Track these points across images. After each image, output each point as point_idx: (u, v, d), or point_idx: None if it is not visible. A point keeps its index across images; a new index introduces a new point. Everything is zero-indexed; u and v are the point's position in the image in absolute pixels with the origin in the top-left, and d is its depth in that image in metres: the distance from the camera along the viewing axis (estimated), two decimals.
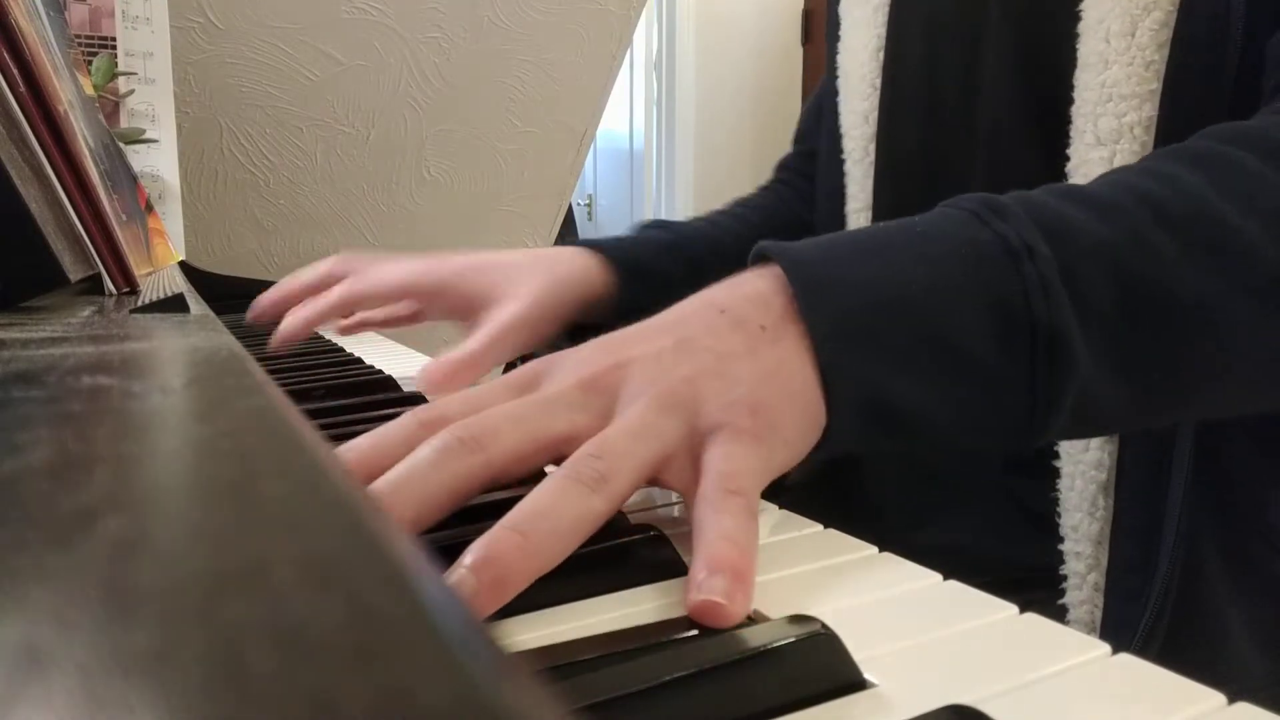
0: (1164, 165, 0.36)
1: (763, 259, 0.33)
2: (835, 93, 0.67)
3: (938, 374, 0.31)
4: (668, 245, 0.64)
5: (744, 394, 0.29)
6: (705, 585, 0.23)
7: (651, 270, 0.61)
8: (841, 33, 0.67)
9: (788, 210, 0.77)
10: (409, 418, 0.30)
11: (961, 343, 0.31)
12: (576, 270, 0.57)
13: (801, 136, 0.83)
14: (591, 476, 0.26)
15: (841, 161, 0.66)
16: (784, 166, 0.82)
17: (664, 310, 0.33)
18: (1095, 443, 0.47)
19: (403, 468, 0.27)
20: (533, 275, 0.54)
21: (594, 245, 0.60)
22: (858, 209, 0.65)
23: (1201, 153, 0.36)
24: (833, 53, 0.68)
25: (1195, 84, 0.44)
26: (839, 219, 0.67)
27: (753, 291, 0.32)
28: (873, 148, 0.64)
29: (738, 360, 0.30)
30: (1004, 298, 0.31)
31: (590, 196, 3.97)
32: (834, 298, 0.31)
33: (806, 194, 0.76)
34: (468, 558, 0.23)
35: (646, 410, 0.29)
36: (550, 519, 0.25)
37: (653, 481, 0.29)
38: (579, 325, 0.58)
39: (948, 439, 0.32)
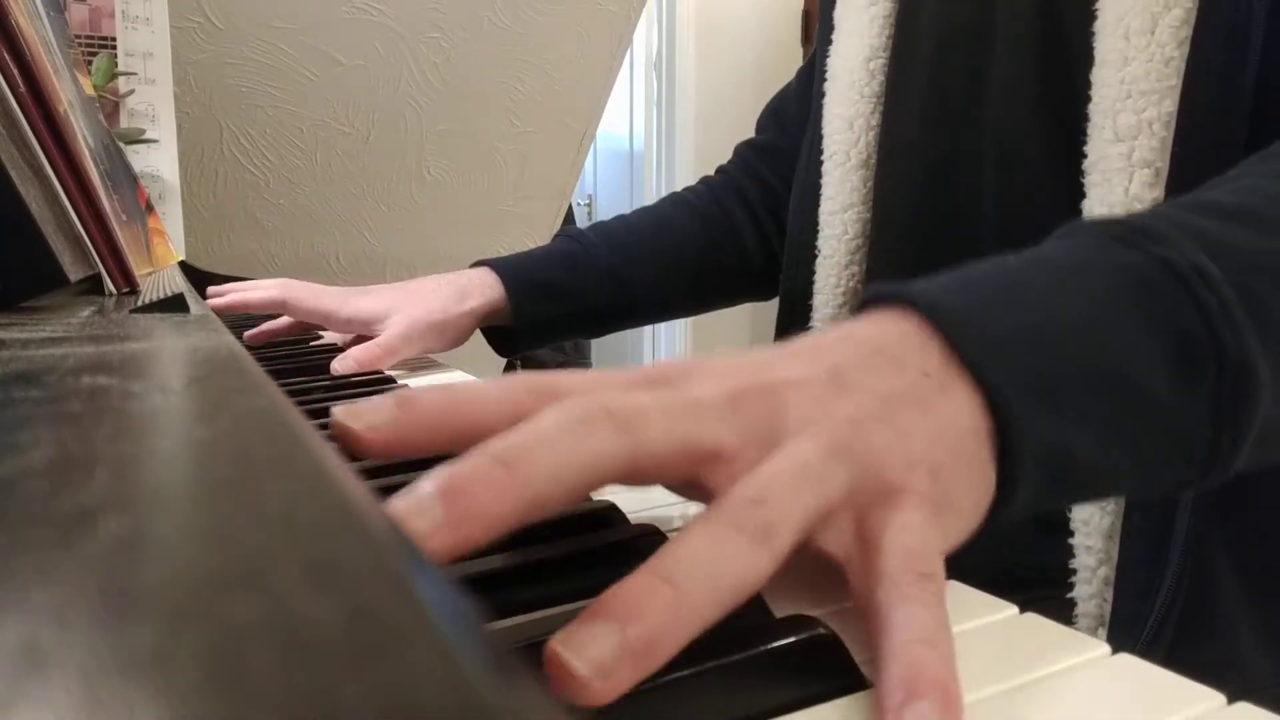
0: (1268, 166, 0.34)
1: (881, 298, 0.29)
2: (822, 94, 0.68)
3: (1120, 419, 0.27)
4: (564, 255, 0.74)
5: (922, 452, 0.25)
6: (913, 710, 0.19)
7: (542, 282, 0.72)
8: (834, 37, 0.67)
9: (716, 209, 0.79)
10: (514, 381, 0.25)
11: (1142, 380, 0.27)
12: (474, 287, 0.70)
13: (761, 126, 0.84)
14: (757, 527, 0.21)
15: (820, 162, 0.67)
16: (736, 152, 0.84)
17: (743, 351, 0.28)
18: None
19: (529, 431, 0.22)
20: (425, 296, 0.69)
21: (492, 262, 0.72)
22: (834, 210, 0.66)
23: None
24: (822, 54, 0.68)
25: (1215, 79, 0.44)
26: (812, 218, 0.67)
27: (901, 332, 0.27)
28: (854, 153, 0.64)
29: (906, 409, 0.25)
30: (1181, 324, 0.28)
31: (590, 196, 3.97)
32: (997, 345, 0.26)
33: (743, 188, 0.80)
34: (603, 609, 0.19)
35: (812, 453, 0.24)
36: (708, 573, 0.20)
37: (808, 543, 0.24)
38: (494, 328, 0.74)
39: (1125, 485, 0.29)
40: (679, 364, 0.27)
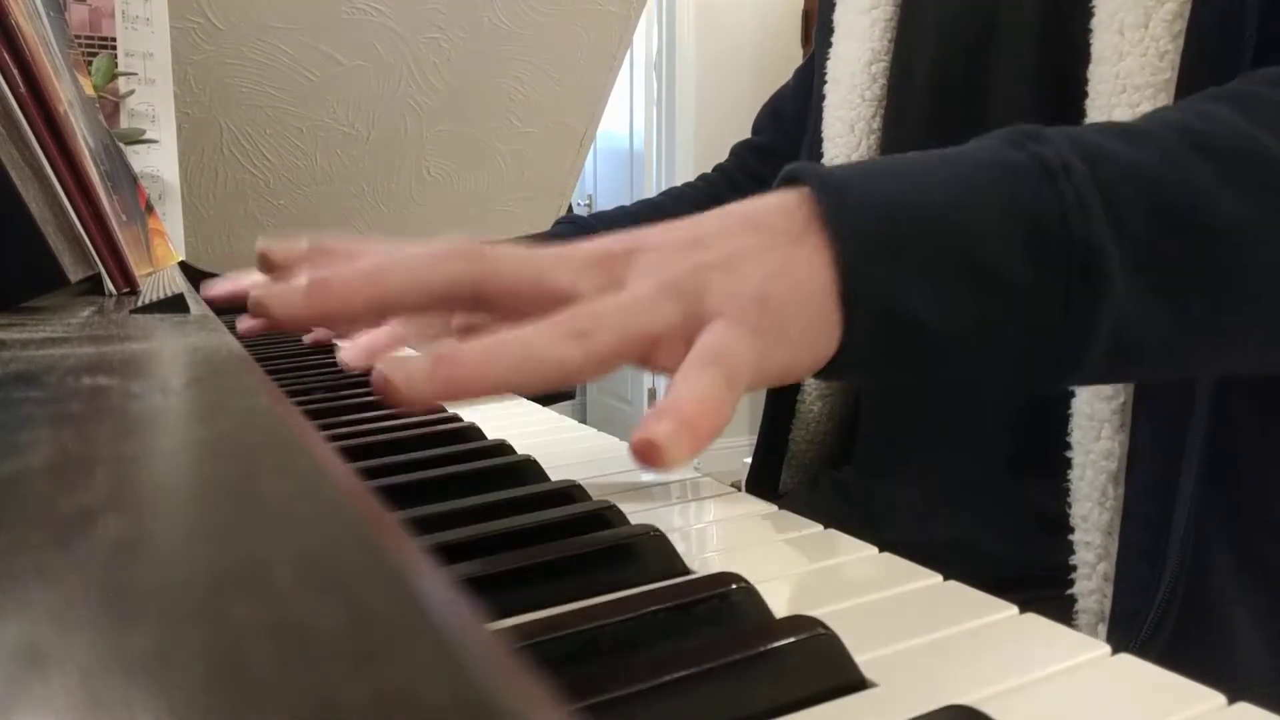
0: (1201, 103, 0.35)
1: (790, 179, 0.32)
2: (822, 97, 0.68)
3: (965, 290, 0.29)
4: (565, 240, 0.71)
5: (751, 288, 0.28)
6: (651, 423, 0.24)
7: None
8: (834, 39, 0.67)
9: (714, 203, 0.79)
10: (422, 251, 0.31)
11: (991, 257, 0.29)
12: None
13: (757, 129, 0.84)
14: (571, 328, 0.26)
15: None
16: (733, 153, 0.84)
17: None
18: (1106, 432, 0.47)
19: (396, 255, 0.28)
20: None
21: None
22: None
23: (1238, 92, 0.36)
24: (822, 57, 0.68)
25: (1209, 73, 0.44)
26: None
27: (776, 202, 0.31)
28: (855, 156, 0.64)
29: (751, 257, 0.29)
30: (1038, 214, 0.30)
31: (590, 196, 3.97)
32: (859, 207, 0.30)
33: (741, 185, 0.80)
34: (429, 351, 0.24)
35: (645, 289, 0.28)
36: (517, 347, 0.25)
37: (641, 362, 0.28)
38: None
39: (973, 363, 0.31)
40: (587, 241, 0.32)
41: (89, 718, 0.07)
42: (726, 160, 0.84)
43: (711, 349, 0.27)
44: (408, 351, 0.67)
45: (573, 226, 0.76)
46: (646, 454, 0.23)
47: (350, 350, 0.63)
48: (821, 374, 0.31)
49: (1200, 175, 0.32)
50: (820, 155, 0.67)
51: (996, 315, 0.30)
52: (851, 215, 0.29)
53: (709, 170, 0.85)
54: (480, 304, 0.29)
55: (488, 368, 0.25)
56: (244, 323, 0.73)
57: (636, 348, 0.28)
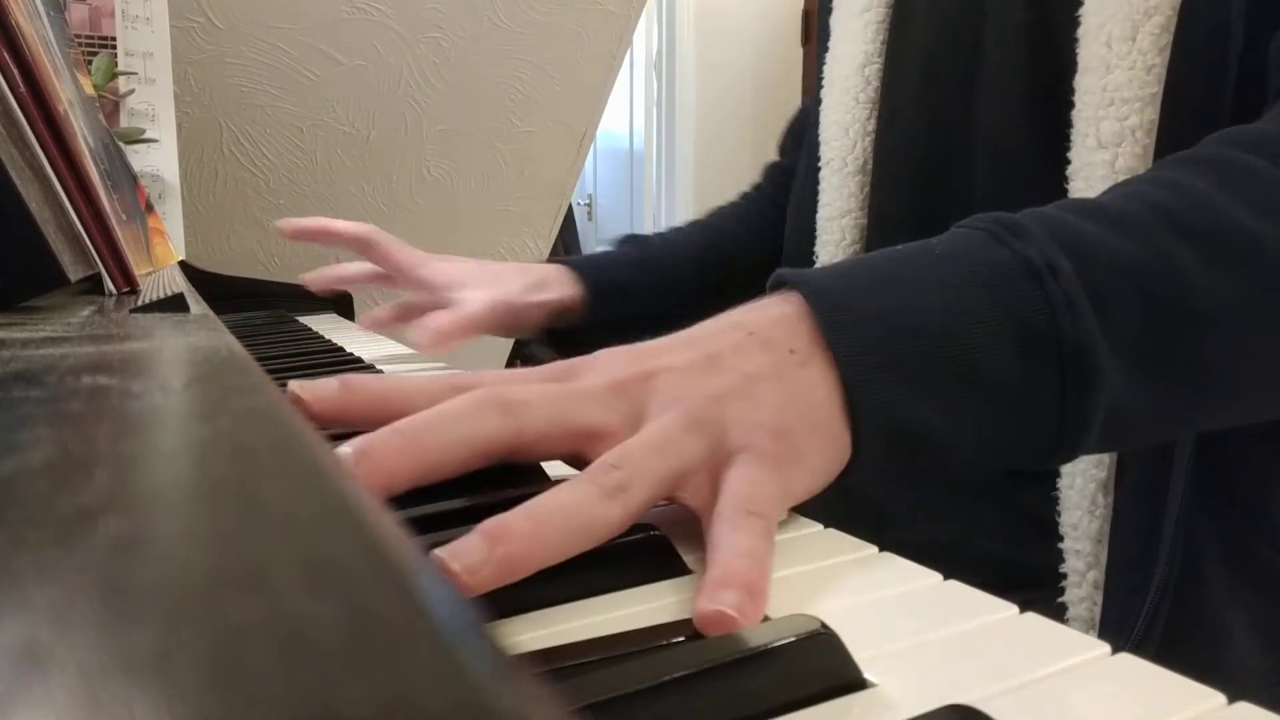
0: (1174, 174, 0.36)
1: (781, 285, 0.33)
2: (819, 100, 0.68)
3: (962, 398, 0.30)
4: (636, 262, 0.75)
5: (769, 417, 0.29)
6: (718, 596, 0.23)
7: (620, 285, 0.72)
8: (831, 44, 0.67)
9: (761, 220, 0.81)
10: (441, 379, 0.31)
11: (984, 365, 0.31)
12: (551, 280, 0.70)
13: (782, 150, 0.86)
14: (611, 484, 0.26)
15: (818, 168, 0.67)
16: (765, 173, 0.85)
17: (687, 327, 0.34)
18: None
19: (432, 412, 0.28)
20: (507, 279, 0.68)
21: (571, 262, 0.72)
22: (831, 216, 0.66)
23: (1210, 159, 0.36)
24: (821, 62, 0.69)
25: (1197, 87, 0.44)
26: (810, 224, 0.68)
27: (779, 315, 0.32)
28: (851, 159, 0.65)
29: (765, 382, 0.30)
30: (1027, 317, 0.31)
31: (590, 196, 3.97)
32: (857, 325, 0.30)
33: (780, 202, 0.80)
34: (481, 532, 0.24)
35: (671, 425, 0.28)
36: (563, 516, 0.25)
37: (669, 498, 0.29)
38: (555, 330, 0.72)
39: (976, 462, 0.32)
40: (581, 360, 0.32)
41: (89, 718, 0.07)
42: (762, 179, 0.85)
43: (745, 496, 0.27)
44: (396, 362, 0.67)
45: (637, 245, 0.77)
46: (719, 625, 0.23)
47: (424, 336, 0.64)
48: (837, 482, 0.31)
49: (1183, 260, 0.33)
50: (818, 159, 0.67)
51: (995, 419, 0.31)
52: (851, 336, 0.30)
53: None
54: (516, 454, 0.29)
55: (541, 543, 0.24)
56: None
57: (667, 489, 0.28)
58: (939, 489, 0.60)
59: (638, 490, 0.27)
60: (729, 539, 0.26)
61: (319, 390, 0.30)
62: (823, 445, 0.30)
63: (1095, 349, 0.31)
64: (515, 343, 1.55)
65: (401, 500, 0.29)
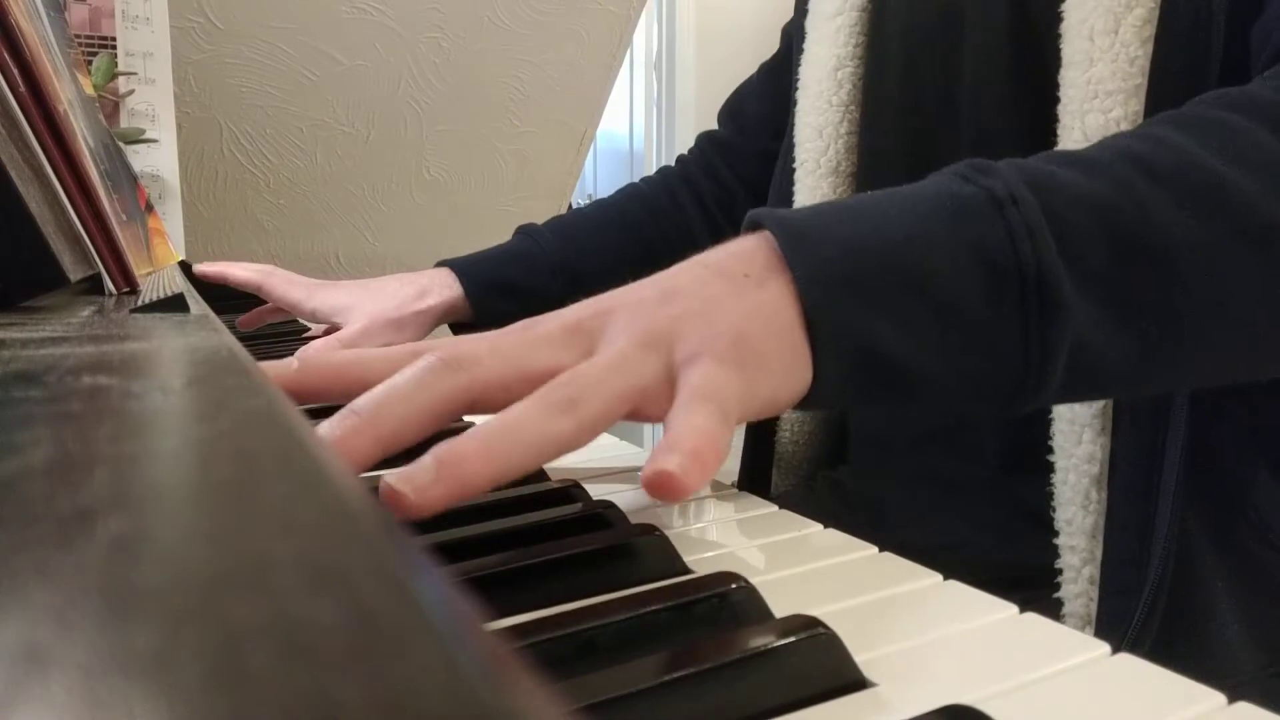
0: (1152, 128, 0.36)
1: (753, 226, 0.33)
2: (794, 103, 0.68)
3: (925, 323, 0.30)
4: (519, 253, 0.76)
5: (725, 327, 0.29)
6: (660, 459, 0.24)
7: (498, 280, 0.74)
8: (805, 46, 0.67)
9: (668, 201, 0.81)
10: (402, 348, 0.31)
11: (945, 290, 0.30)
12: (433, 286, 0.73)
13: (720, 121, 0.85)
14: (559, 399, 0.27)
15: (793, 170, 0.67)
16: (696, 143, 0.85)
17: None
18: (1087, 436, 0.47)
19: (384, 386, 0.28)
20: (388, 294, 0.72)
21: (453, 263, 0.75)
22: None
23: (1190, 116, 0.37)
24: (796, 63, 0.69)
25: (1180, 78, 0.44)
26: None
27: (738, 248, 0.32)
28: (824, 160, 0.65)
29: (721, 301, 0.30)
30: (987, 244, 0.31)
31: (590, 196, 3.97)
32: (818, 248, 0.31)
33: (694, 179, 0.82)
34: (430, 454, 0.24)
35: (625, 346, 0.29)
36: (512, 431, 0.26)
37: (631, 415, 0.29)
38: (458, 324, 0.75)
39: (942, 394, 0.32)
40: (539, 317, 0.32)
41: (89, 718, 0.07)
42: (691, 150, 0.85)
43: (699, 387, 0.28)
44: None
45: (525, 236, 0.78)
46: (660, 485, 0.24)
47: (303, 352, 0.65)
48: (802, 405, 0.31)
49: (1152, 200, 0.32)
50: (793, 160, 0.67)
51: (954, 344, 0.31)
52: (810, 255, 0.30)
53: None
54: (476, 407, 0.29)
55: (490, 459, 0.25)
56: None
57: (625, 404, 0.28)
58: (933, 486, 0.60)
59: (590, 403, 0.27)
60: (680, 418, 0.26)
61: (276, 369, 0.30)
62: (784, 353, 0.30)
63: (1058, 279, 0.31)
64: None
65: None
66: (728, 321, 0.29)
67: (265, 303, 0.79)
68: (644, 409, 0.29)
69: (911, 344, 0.30)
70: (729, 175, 0.80)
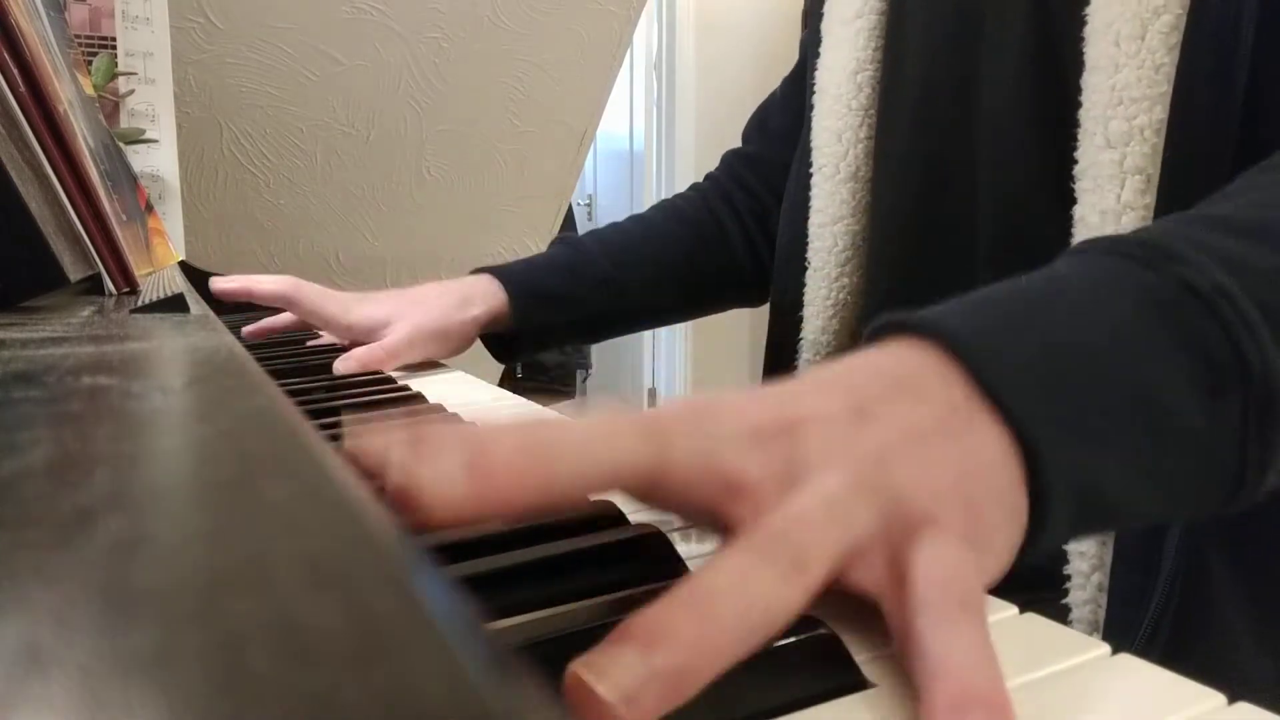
0: (1271, 178, 0.34)
1: (895, 330, 0.28)
2: (811, 107, 0.68)
3: (1147, 447, 0.26)
4: (564, 263, 0.75)
5: (950, 484, 0.24)
6: (955, 714, 0.19)
7: (544, 290, 0.73)
8: (821, 51, 0.67)
9: (706, 215, 0.80)
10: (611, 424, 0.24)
11: (1168, 407, 0.26)
12: (476, 294, 0.70)
13: (746, 137, 0.85)
14: (789, 560, 0.21)
15: (809, 175, 0.67)
16: (723, 161, 0.85)
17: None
18: None
19: (562, 430, 0.22)
20: (429, 303, 0.69)
21: (497, 271, 0.72)
22: (823, 223, 0.66)
23: None
24: (811, 68, 0.69)
25: (1206, 86, 0.44)
26: (801, 231, 0.68)
27: (919, 363, 0.26)
28: (843, 165, 0.65)
29: (931, 441, 0.25)
30: (1206, 345, 0.27)
31: (590, 196, 3.97)
32: (1024, 374, 0.25)
33: (731, 195, 0.81)
34: (629, 634, 0.18)
35: (839, 487, 0.23)
36: (738, 603, 0.19)
37: (840, 581, 0.23)
38: (493, 335, 0.74)
39: (1150, 516, 0.29)
40: (701, 400, 0.26)
41: (89, 718, 0.07)
42: (717, 168, 0.85)
43: (950, 582, 0.22)
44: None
45: (568, 246, 0.77)
46: None
47: (343, 364, 0.65)
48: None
49: None
50: (809, 165, 0.67)
51: (1177, 465, 0.27)
52: (1018, 384, 0.25)
53: (710, 170, 0.85)
54: (650, 493, 0.24)
55: (715, 647, 0.19)
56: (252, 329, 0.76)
57: (843, 565, 0.23)
58: None
59: (815, 567, 0.21)
60: (947, 640, 0.20)
61: (437, 480, 0.21)
62: (1004, 520, 0.25)
63: (1278, 375, 0.27)
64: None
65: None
66: (950, 476, 0.24)
67: (269, 312, 0.77)
68: (853, 573, 0.23)
69: (1136, 475, 0.26)
70: (761, 188, 0.80)
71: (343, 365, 0.64)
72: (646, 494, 0.24)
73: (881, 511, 0.23)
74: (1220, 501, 0.29)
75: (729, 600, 0.19)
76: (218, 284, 0.73)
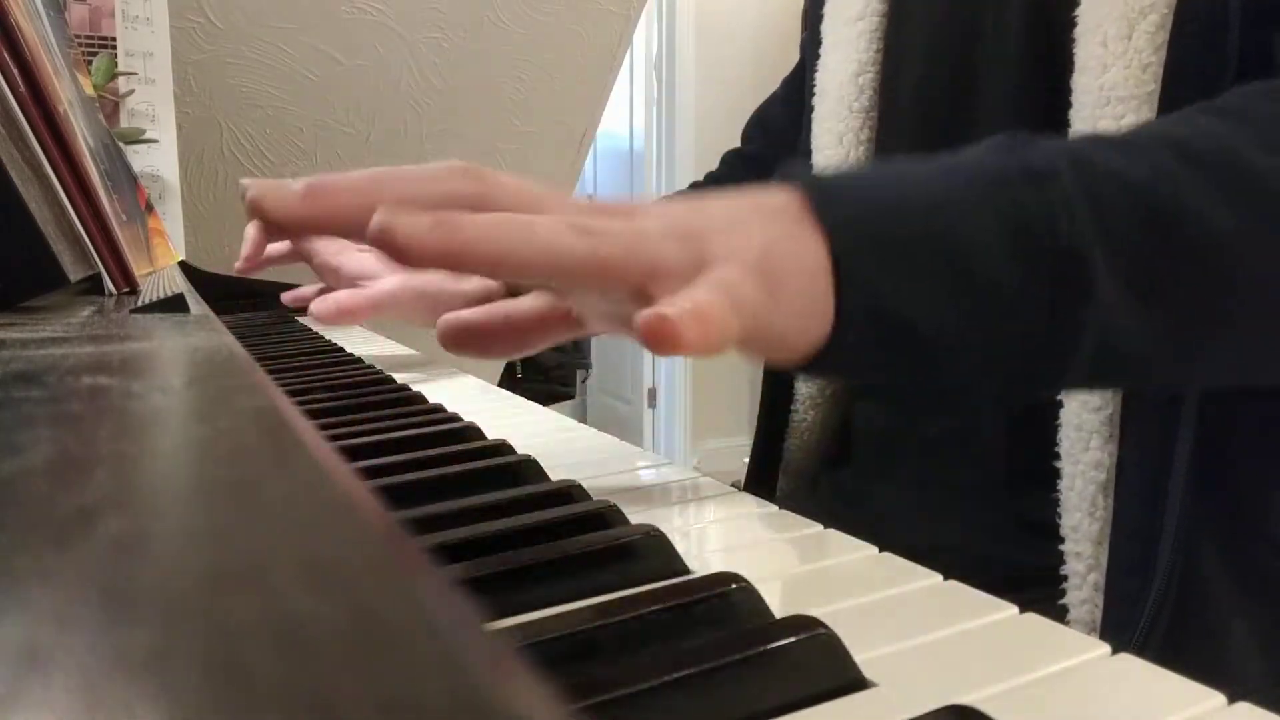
0: (1190, 117, 0.36)
1: (783, 183, 0.33)
2: (811, 109, 0.68)
3: (950, 290, 0.30)
4: None
5: (755, 244, 0.29)
6: (660, 306, 0.24)
7: None
8: (821, 52, 0.67)
9: None
10: (446, 166, 0.31)
11: (976, 259, 0.30)
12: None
13: (746, 137, 0.84)
14: (578, 224, 0.26)
15: None
16: (724, 161, 0.85)
17: None
18: (1095, 443, 0.47)
19: (503, 215, 0.27)
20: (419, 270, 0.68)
21: None
22: None
23: (1226, 107, 0.36)
24: (811, 69, 0.68)
25: (1193, 85, 0.44)
26: None
27: (769, 196, 0.31)
28: (845, 167, 0.64)
29: (750, 223, 0.29)
30: (1024, 216, 0.30)
31: (590, 197, 3.97)
32: (850, 205, 0.30)
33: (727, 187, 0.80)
34: (430, 214, 0.24)
35: (652, 228, 0.28)
36: (524, 225, 0.25)
37: (637, 291, 0.28)
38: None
39: (961, 365, 0.31)
40: (621, 204, 0.31)
41: (89, 718, 0.07)
42: (718, 168, 0.84)
43: (718, 279, 0.27)
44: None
45: None
46: (657, 329, 0.23)
47: (321, 304, 0.63)
48: (811, 367, 0.30)
49: (1190, 188, 0.32)
50: (810, 167, 0.67)
51: (981, 317, 0.30)
52: (841, 210, 0.30)
53: (710, 170, 0.85)
54: (581, 279, 0.28)
55: (489, 238, 0.25)
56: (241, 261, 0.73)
57: (636, 269, 0.27)
58: (936, 491, 0.60)
59: (606, 242, 0.26)
60: (687, 290, 0.26)
61: (272, 191, 0.29)
62: (805, 291, 0.29)
63: (1091, 256, 0.30)
64: None
65: (401, 501, 0.29)
66: (757, 239, 0.29)
67: (270, 313, 0.76)
68: (651, 287, 0.27)
69: (934, 310, 0.30)
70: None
71: (319, 306, 0.63)
72: (578, 281, 0.28)
73: (688, 251, 0.28)
74: (1034, 373, 0.31)
75: (516, 225, 0.26)
76: (241, 265, 0.71)
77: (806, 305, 0.29)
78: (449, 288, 0.68)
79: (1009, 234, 0.30)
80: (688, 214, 0.30)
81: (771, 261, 0.28)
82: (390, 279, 0.67)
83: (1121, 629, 0.45)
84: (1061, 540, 0.48)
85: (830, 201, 0.30)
